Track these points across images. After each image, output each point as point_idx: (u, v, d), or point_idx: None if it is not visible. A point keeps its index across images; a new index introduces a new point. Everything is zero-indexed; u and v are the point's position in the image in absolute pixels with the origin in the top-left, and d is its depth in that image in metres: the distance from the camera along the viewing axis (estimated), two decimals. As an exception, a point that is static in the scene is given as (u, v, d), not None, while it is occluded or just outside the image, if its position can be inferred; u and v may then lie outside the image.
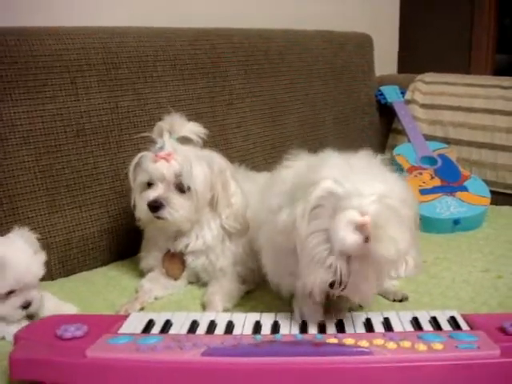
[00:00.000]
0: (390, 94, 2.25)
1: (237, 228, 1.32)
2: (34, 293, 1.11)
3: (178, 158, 1.25)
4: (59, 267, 1.43)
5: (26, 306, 1.09)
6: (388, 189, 0.95)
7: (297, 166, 1.10)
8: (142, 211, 1.27)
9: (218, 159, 1.32)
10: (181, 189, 1.26)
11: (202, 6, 1.94)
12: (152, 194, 1.25)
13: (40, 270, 1.12)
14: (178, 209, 1.25)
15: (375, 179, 0.96)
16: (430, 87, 2.23)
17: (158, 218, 1.25)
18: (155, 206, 1.24)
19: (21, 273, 1.07)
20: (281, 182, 1.10)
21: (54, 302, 1.19)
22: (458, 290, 1.28)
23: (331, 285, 0.95)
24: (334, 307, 1.05)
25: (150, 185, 1.27)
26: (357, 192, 0.92)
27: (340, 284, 0.94)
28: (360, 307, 1.10)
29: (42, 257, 1.14)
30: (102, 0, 1.71)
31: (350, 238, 0.90)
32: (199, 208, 1.28)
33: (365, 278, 0.95)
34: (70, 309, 1.19)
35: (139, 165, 1.29)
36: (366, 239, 0.90)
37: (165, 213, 1.24)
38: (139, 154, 1.29)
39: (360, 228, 0.90)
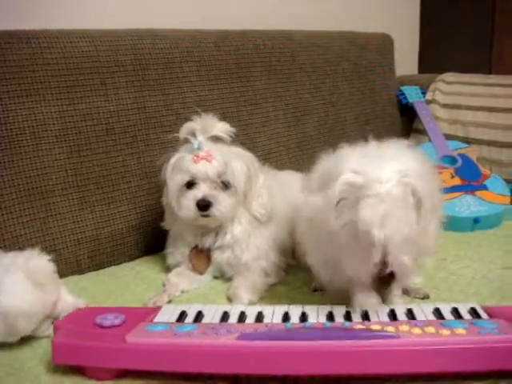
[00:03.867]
0: (411, 93, 2.27)
1: (266, 215, 1.37)
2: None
3: (217, 157, 1.30)
4: (88, 261, 1.48)
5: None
6: (405, 166, 0.99)
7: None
8: (188, 210, 1.30)
9: (247, 154, 1.37)
10: (222, 186, 1.31)
11: (226, 7, 1.98)
12: (199, 193, 1.29)
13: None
14: (225, 205, 1.30)
15: (391, 159, 1.00)
16: (450, 87, 2.25)
17: (205, 215, 1.29)
18: (204, 205, 1.28)
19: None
20: (315, 171, 1.15)
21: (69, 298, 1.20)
22: (478, 287, 1.30)
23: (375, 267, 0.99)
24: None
25: (190, 185, 1.31)
26: (376, 180, 0.96)
27: (384, 266, 0.99)
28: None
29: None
30: (130, 2, 1.76)
31: (375, 225, 0.94)
32: (239, 203, 1.33)
33: (402, 252, 0.98)
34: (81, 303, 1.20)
35: (176, 166, 1.32)
36: None
37: (214, 210, 1.29)
38: (176, 155, 1.33)
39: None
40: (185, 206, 1.30)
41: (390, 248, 0.96)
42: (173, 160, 1.33)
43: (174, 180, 1.31)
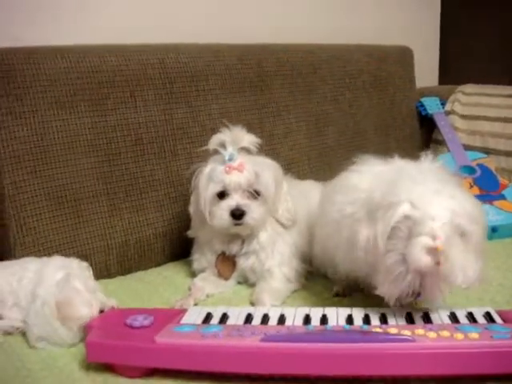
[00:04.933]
0: (431, 105, 2.30)
1: (291, 220, 1.43)
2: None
3: (248, 167, 1.35)
4: (117, 267, 1.54)
5: None
6: (459, 206, 1.04)
7: (368, 172, 1.18)
8: (221, 219, 1.35)
9: (274, 163, 1.42)
10: (253, 195, 1.36)
11: (248, 21, 2.04)
12: (233, 203, 1.34)
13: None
14: (257, 214, 1.35)
15: (448, 197, 1.05)
16: (469, 98, 2.27)
17: (239, 224, 1.35)
18: (240, 214, 1.34)
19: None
20: (352, 187, 1.17)
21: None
22: (494, 294, 1.32)
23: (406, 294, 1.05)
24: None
25: (221, 195, 1.36)
26: (430, 216, 1.01)
27: (413, 294, 1.04)
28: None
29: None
30: (156, 18, 1.82)
31: (423, 260, 1.00)
32: (269, 211, 1.39)
33: (437, 288, 1.05)
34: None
35: (209, 176, 1.37)
36: (438, 262, 1.00)
37: (247, 219, 1.34)
38: (208, 166, 1.38)
39: (432, 252, 0.99)
40: (218, 215, 1.35)
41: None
42: (206, 171, 1.38)
43: (207, 190, 1.36)
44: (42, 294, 1.13)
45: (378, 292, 1.07)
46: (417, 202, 1.03)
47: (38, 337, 1.12)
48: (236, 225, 1.35)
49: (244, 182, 1.35)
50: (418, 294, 1.05)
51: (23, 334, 1.17)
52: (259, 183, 1.36)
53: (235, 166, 1.35)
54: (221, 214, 1.35)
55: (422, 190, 1.06)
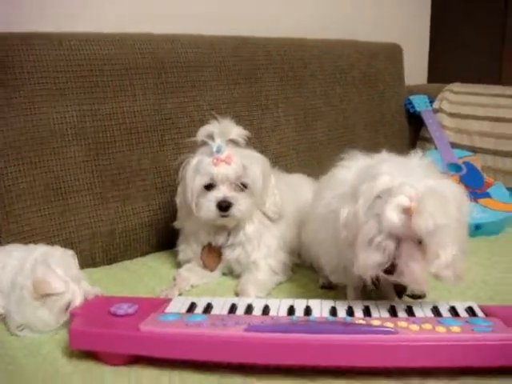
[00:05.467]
0: (419, 103, 2.32)
1: (278, 213, 1.44)
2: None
3: (236, 159, 1.35)
4: (102, 256, 1.54)
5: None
6: (441, 187, 1.04)
7: (355, 166, 1.18)
8: (208, 211, 1.35)
9: (261, 157, 1.43)
10: (240, 187, 1.36)
11: (243, 14, 2.04)
12: (220, 195, 1.34)
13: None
14: (244, 206, 1.36)
15: (428, 177, 1.06)
16: (457, 97, 2.29)
17: (225, 216, 1.35)
18: (226, 206, 1.34)
19: None
20: (340, 182, 1.17)
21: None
22: (477, 290, 1.33)
23: (386, 271, 1.04)
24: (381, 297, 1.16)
25: (208, 186, 1.36)
26: (409, 184, 1.02)
27: (391, 267, 1.03)
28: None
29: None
30: (152, 9, 1.82)
31: (396, 218, 1.00)
32: (255, 203, 1.39)
33: (413, 259, 1.03)
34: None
35: (196, 168, 1.37)
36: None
37: (234, 211, 1.35)
38: (196, 158, 1.38)
39: (407, 211, 0.99)
40: (205, 206, 1.35)
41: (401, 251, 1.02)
42: (193, 162, 1.38)
43: (194, 182, 1.36)
44: (21, 279, 1.14)
45: (354, 269, 1.06)
46: (397, 175, 1.04)
47: (20, 324, 1.12)
48: (222, 216, 1.36)
49: (231, 174, 1.35)
50: (393, 267, 1.03)
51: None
52: (247, 176, 1.37)
53: (223, 158, 1.35)
54: (208, 205, 1.35)
55: (403, 168, 1.07)
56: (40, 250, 1.23)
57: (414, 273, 1.03)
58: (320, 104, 2.04)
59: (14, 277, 1.16)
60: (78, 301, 1.15)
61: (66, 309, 1.14)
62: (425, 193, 1.01)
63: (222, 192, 1.35)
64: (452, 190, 1.07)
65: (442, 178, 1.12)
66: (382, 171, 1.05)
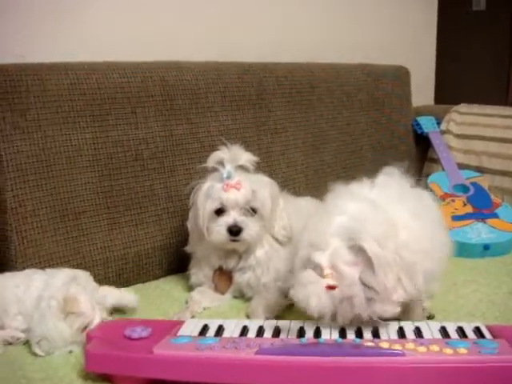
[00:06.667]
0: (426, 124, 2.34)
1: (287, 237, 1.46)
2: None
3: (245, 185, 1.39)
4: (116, 279, 1.56)
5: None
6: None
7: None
8: (219, 235, 1.38)
9: (270, 181, 1.46)
10: (250, 212, 1.39)
11: (249, 40, 2.08)
12: (230, 220, 1.38)
13: None
14: (254, 230, 1.39)
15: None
16: (464, 118, 2.31)
17: (235, 240, 1.38)
18: (236, 230, 1.37)
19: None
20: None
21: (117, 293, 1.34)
22: (484, 310, 1.36)
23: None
24: None
25: (219, 211, 1.39)
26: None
27: None
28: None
29: None
30: (158, 36, 1.86)
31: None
32: (265, 227, 1.42)
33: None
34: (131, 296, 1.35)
35: (207, 193, 1.40)
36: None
37: (244, 235, 1.38)
38: (207, 184, 1.41)
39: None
40: (216, 231, 1.38)
41: None
42: (204, 188, 1.41)
43: (205, 207, 1.39)
44: (50, 292, 1.19)
45: None
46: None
47: (39, 336, 1.15)
48: (233, 241, 1.39)
49: (241, 199, 1.38)
50: None
51: (24, 343, 1.20)
52: (256, 200, 1.40)
53: (233, 183, 1.38)
54: (218, 230, 1.38)
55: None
56: (67, 271, 1.28)
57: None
58: (328, 127, 2.07)
59: (41, 293, 1.21)
60: (95, 323, 1.19)
61: (84, 329, 1.17)
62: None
63: (232, 217, 1.38)
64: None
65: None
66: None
